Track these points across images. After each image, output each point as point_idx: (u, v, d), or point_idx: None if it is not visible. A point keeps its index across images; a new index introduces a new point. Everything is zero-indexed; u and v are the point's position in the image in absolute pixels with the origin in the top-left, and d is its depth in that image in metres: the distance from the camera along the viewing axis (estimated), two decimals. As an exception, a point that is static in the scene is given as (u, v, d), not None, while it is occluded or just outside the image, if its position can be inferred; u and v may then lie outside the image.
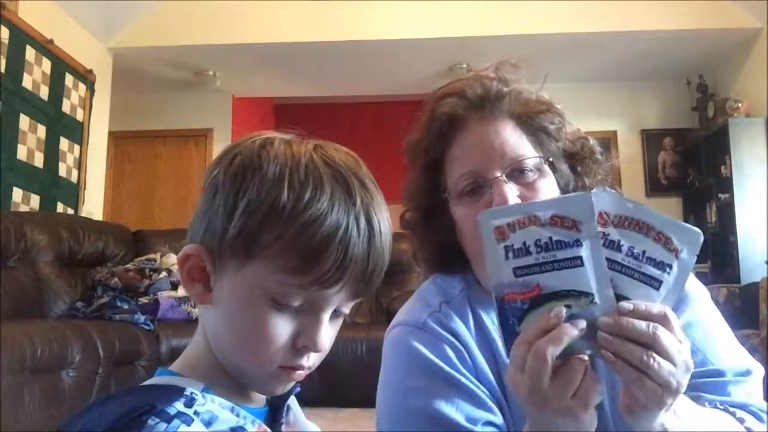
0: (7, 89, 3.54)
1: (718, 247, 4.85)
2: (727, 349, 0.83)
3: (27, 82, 3.74)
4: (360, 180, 0.57)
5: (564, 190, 0.87)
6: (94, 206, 4.60)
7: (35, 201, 3.80)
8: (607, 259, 0.61)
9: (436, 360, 0.80)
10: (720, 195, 4.91)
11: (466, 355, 0.81)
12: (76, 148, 4.30)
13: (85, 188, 4.39)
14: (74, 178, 4.27)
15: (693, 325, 0.82)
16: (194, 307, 3.24)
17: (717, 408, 0.75)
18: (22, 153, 3.68)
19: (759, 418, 0.77)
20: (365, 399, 1.20)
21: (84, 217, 4.10)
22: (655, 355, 0.57)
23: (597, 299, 0.60)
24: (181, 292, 3.38)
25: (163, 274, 3.50)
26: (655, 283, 0.61)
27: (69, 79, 4.21)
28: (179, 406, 0.50)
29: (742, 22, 4.73)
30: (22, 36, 3.70)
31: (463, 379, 0.78)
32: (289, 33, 4.82)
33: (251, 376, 0.58)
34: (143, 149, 5.90)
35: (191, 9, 4.79)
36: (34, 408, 2.14)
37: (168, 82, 5.57)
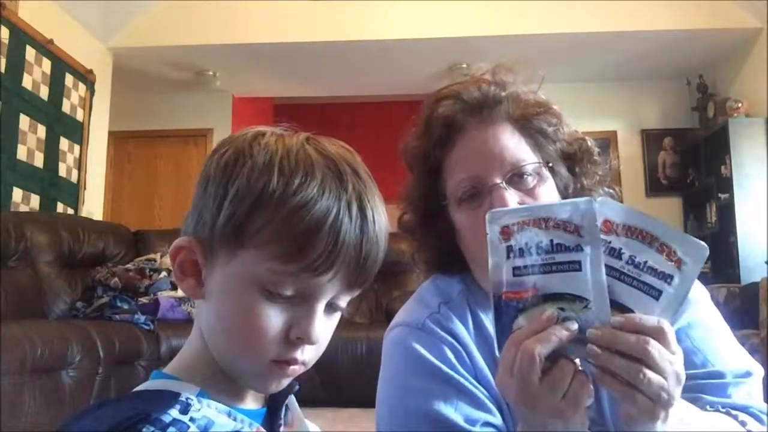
0: (7, 89, 3.54)
1: (718, 247, 4.85)
2: (727, 350, 0.83)
3: (27, 82, 3.74)
4: (353, 168, 0.57)
5: (563, 192, 0.87)
6: (94, 206, 4.60)
7: (35, 201, 3.80)
8: (607, 266, 0.61)
9: (436, 361, 0.80)
10: (720, 195, 4.91)
11: (465, 355, 0.81)
12: (76, 148, 4.30)
13: (85, 188, 4.39)
14: (74, 178, 4.28)
15: (693, 326, 0.82)
16: (194, 307, 3.23)
17: (719, 411, 0.75)
18: (22, 153, 3.68)
19: (759, 420, 0.77)
20: (365, 399, 1.19)
21: (84, 217, 4.10)
22: (645, 369, 0.57)
23: (592, 305, 0.60)
24: (181, 292, 3.37)
25: (163, 274, 3.50)
26: (655, 293, 0.61)
27: (69, 79, 4.21)
28: (174, 413, 0.50)
29: (742, 22, 4.73)
30: (22, 36, 3.70)
31: (462, 380, 0.78)
32: (289, 33, 4.83)
33: (245, 372, 0.57)
34: (143, 149, 5.90)
35: (191, 9, 4.79)
36: (34, 408, 2.14)
37: (168, 82, 5.57)
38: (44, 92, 3.92)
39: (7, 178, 3.53)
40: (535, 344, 0.58)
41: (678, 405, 0.61)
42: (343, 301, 0.59)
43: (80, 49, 4.36)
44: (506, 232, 0.63)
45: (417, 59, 5.15)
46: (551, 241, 0.62)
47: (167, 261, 3.61)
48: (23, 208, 3.66)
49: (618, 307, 0.60)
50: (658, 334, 0.58)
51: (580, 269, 0.61)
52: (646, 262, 0.61)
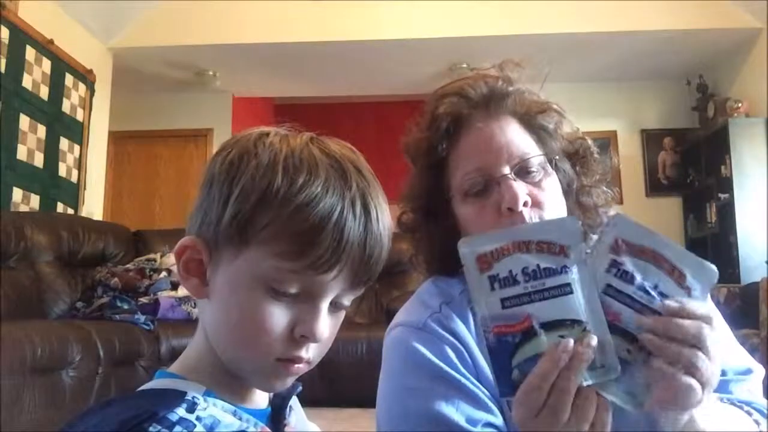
0: (7, 89, 3.54)
1: (718, 247, 4.85)
2: (728, 348, 0.83)
3: (27, 82, 3.74)
4: (356, 167, 0.57)
5: (566, 189, 0.87)
6: (94, 206, 4.59)
7: (35, 201, 3.80)
8: (619, 291, 0.60)
9: (437, 361, 0.79)
10: (720, 195, 4.91)
11: (466, 355, 0.81)
12: (76, 148, 4.30)
13: (85, 188, 4.39)
14: (74, 178, 4.28)
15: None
16: (194, 307, 3.23)
17: (727, 403, 0.76)
18: (22, 153, 3.68)
19: (762, 415, 0.78)
20: (365, 399, 1.19)
21: (84, 217, 4.10)
22: (701, 355, 0.57)
23: (589, 327, 0.59)
24: (181, 292, 3.37)
25: (163, 274, 3.50)
26: None
27: (69, 79, 4.21)
28: (181, 411, 0.50)
29: (742, 22, 4.73)
30: (22, 36, 3.70)
31: (463, 380, 0.78)
32: (289, 33, 4.83)
33: (250, 371, 0.57)
34: (143, 149, 5.90)
35: (191, 9, 4.79)
36: (34, 408, 2.14)
37: (168, 82, 5.57)
38: (44, 92, 3.92)
39: (7, 178, 3.53)
40: (567, 382, 0.56)
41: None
42: (347, 300, 0.59)
43: (80, 49, 4.36)
44: (484, 261, 0.60)
45: (417, 59, 5.15)
46: (538, 265, 0.60)
47: (167, 261, 3.61)
48: (23, 208, 3.66)
49: (629, 335, 0.60)
50: (710, 321, 0.59)
51: (572, 292, 0.59)
52: (656, 287, 0.60)
